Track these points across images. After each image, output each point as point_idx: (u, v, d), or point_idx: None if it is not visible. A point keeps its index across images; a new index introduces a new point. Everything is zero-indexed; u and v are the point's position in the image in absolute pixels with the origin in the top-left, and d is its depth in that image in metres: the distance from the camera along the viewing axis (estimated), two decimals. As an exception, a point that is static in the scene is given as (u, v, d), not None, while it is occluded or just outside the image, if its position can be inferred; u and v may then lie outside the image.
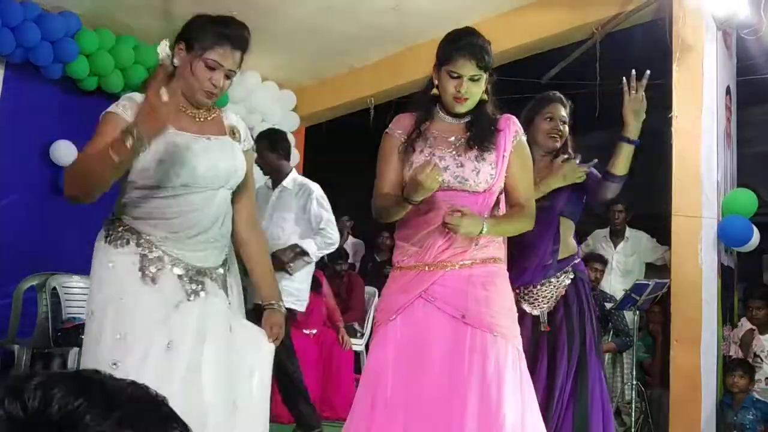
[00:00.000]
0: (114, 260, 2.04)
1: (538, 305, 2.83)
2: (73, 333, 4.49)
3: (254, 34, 6.55)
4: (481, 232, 2.19)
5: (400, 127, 2.37)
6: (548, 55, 5.49)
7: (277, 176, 4.27)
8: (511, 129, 2.35)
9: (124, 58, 5.64)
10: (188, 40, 2.08)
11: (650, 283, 4.63)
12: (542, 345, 2.78)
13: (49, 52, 5.22)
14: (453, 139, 2.32)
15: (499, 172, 2.29)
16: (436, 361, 2.14)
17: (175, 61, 2.09)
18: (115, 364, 1.90)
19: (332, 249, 4.29)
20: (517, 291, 2.72)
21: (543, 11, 5.12)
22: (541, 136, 2.91)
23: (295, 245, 4.02)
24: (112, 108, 2.08)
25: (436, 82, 2.35)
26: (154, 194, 2.04)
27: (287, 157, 4.38)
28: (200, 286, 2.06)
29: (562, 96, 2.99)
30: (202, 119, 2.13)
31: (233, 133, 2.18)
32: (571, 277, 2.88)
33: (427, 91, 2.39)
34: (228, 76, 2.10)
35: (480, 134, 2.29)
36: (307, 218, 4.11)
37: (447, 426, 2.12)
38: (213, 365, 2.02)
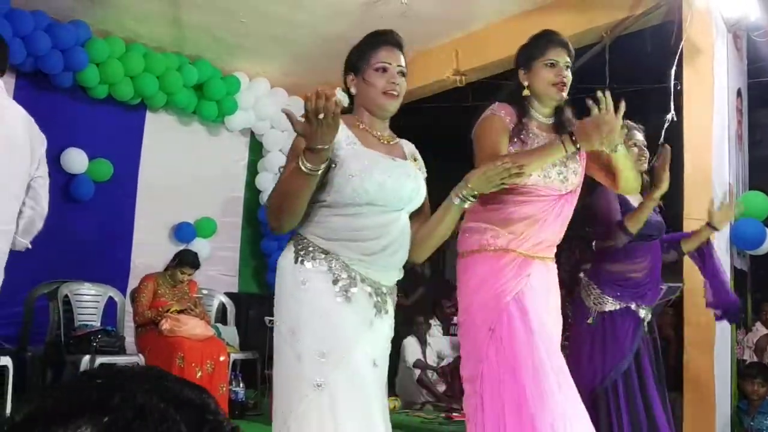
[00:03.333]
0: (306, 279, 2.00)
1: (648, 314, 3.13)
2: (85, 340, 4.50)
3: (263, 41, 6.59)
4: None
5: (507, 113, 2.41)
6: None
7: None
8: None
9: (134, 66, 5.67)
10: (353, 67, 2.16)
11: (663, 287, 4.60)
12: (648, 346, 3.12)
13: (60, 61, 5.25)
14: (551, 138, 2.38)
15: (583, 174, 2.49)
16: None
17: (352, 90, 2.15)
18: (319, 385, 1.91)
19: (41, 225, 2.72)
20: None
21: (551, 15, 5.11)
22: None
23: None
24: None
25: (525, 83, 2.44)
26: (342, 212, 2.01)
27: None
28: (384, 303, 2.07)
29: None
30: (386, 142, 2.14)
31: (414, 159, 2.20)
32: None
33: (518, 91, 2.47)
34: (402, 74, 2.13)
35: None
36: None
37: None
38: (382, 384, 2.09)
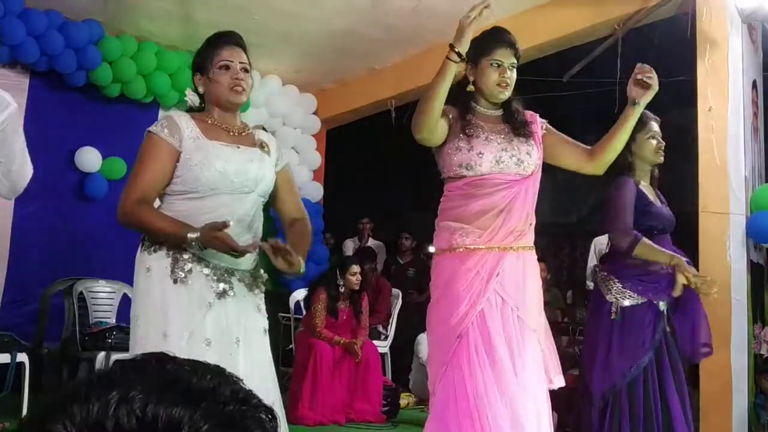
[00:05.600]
0: (150, 266, 2.15)
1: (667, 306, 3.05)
2: (100, 337, 4.53)
3: (275, 38, 6.57)
4: None
5: (448, 111, 2.46)
6: (569, 52, 5.44)
7: None
8: (537, 121, 2.55)
9: (147, 65, 5.69)
10: (199, 68, 2.29)
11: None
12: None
13: (73, 60, 5.28)
14: (499, 127, 2.47)
15: (540, 156, 2.50)
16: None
17: (200, 90, 2.29)
18: None
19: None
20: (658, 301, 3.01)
21: (564, 9, 5.08)
22: (649, 154, 3.09)
23: None
24: (153, 129, 2.20)
25: (471, 78, 2.49)
26: (187, 197, 2.17)
27: None
28: (229, 286, 2.16)
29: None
30: (235, 133, 2.28)
31: (262, 146, 2.32)
32: None
33: (459, 88, 2.49)
34: (245, 70, 2.26)
35: (521, 122, 2.49)
36: None
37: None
38: (248, 365, 2.12)
